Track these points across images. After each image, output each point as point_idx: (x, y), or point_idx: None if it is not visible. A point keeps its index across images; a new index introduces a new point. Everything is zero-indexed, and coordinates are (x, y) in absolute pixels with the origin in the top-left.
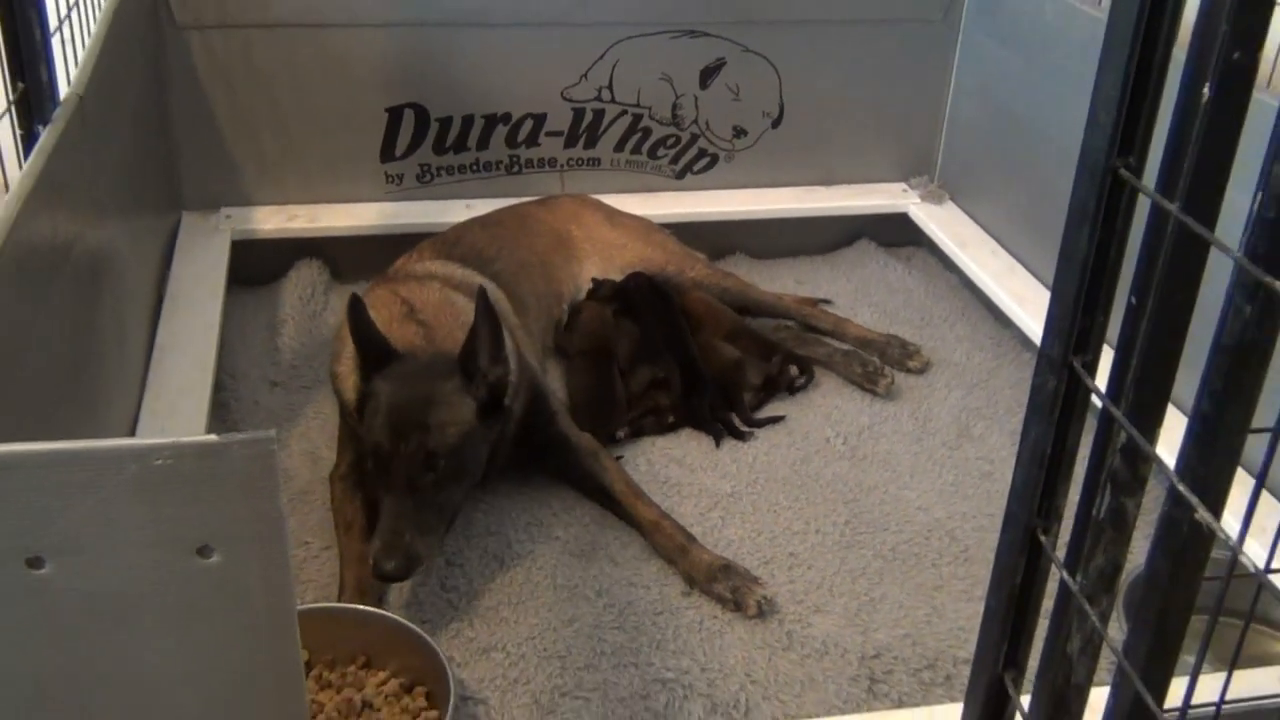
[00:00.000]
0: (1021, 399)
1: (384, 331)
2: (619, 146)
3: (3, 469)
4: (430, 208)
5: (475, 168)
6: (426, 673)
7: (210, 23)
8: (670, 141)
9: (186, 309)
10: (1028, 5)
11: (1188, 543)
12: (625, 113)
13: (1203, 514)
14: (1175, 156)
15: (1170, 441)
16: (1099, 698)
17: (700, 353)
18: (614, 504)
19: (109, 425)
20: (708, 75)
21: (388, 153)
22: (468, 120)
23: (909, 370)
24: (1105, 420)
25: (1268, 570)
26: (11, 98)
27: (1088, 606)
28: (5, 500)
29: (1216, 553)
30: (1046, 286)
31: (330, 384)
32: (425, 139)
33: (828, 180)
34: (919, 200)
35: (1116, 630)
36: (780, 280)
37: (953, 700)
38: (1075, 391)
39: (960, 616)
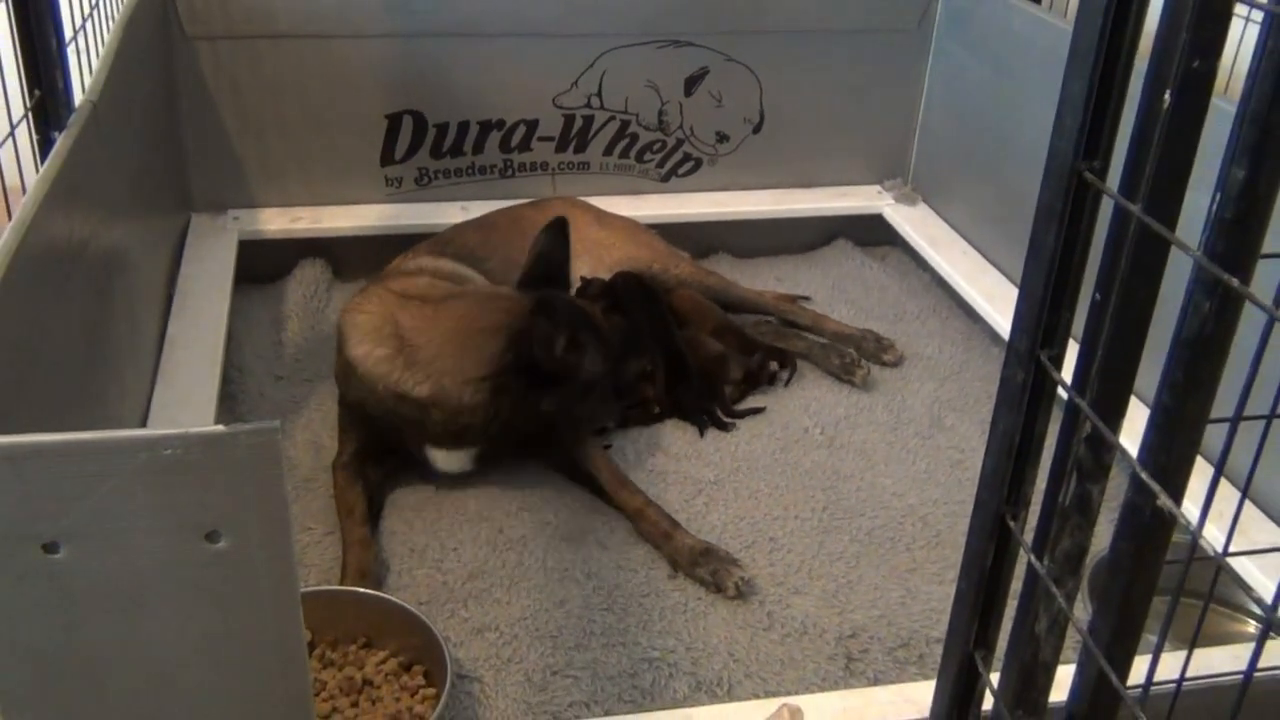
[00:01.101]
0: (991, 391)
1: (376, 330)
2: (607, 151)
3: (20, 458)
4: (428, 209)
5: (470, 171)
6: (424, 652)
7: (219, 33)
8: (656, 146)
9: (195, 306)
10: (997, 16)
11: (1150, 528)
12: (613, 119)
13: (1164, 500)
14: (1137, 160)
15: (1133, 431)
16: (1065, 675)
17: (684, 347)
18: (601, 491)
19: (121, 417)
20: (692, 83)
21: (387, 157)
22: (463, 126)
23: (884, 364)
24: (1071, 411)
25: (1226, 554)
26: (28, 105)
27: (1054, 588)
28: (22, 488)
29: (1177, 537)
30: (1014, 284)
31: (342, 375)
32: (423, 144)
33: (806, 183)
34: (893, 202)
35: (1082, 611)
36: (761, 278)
37: (926, 678)
38: (1042, 384)
39: (933, 598)
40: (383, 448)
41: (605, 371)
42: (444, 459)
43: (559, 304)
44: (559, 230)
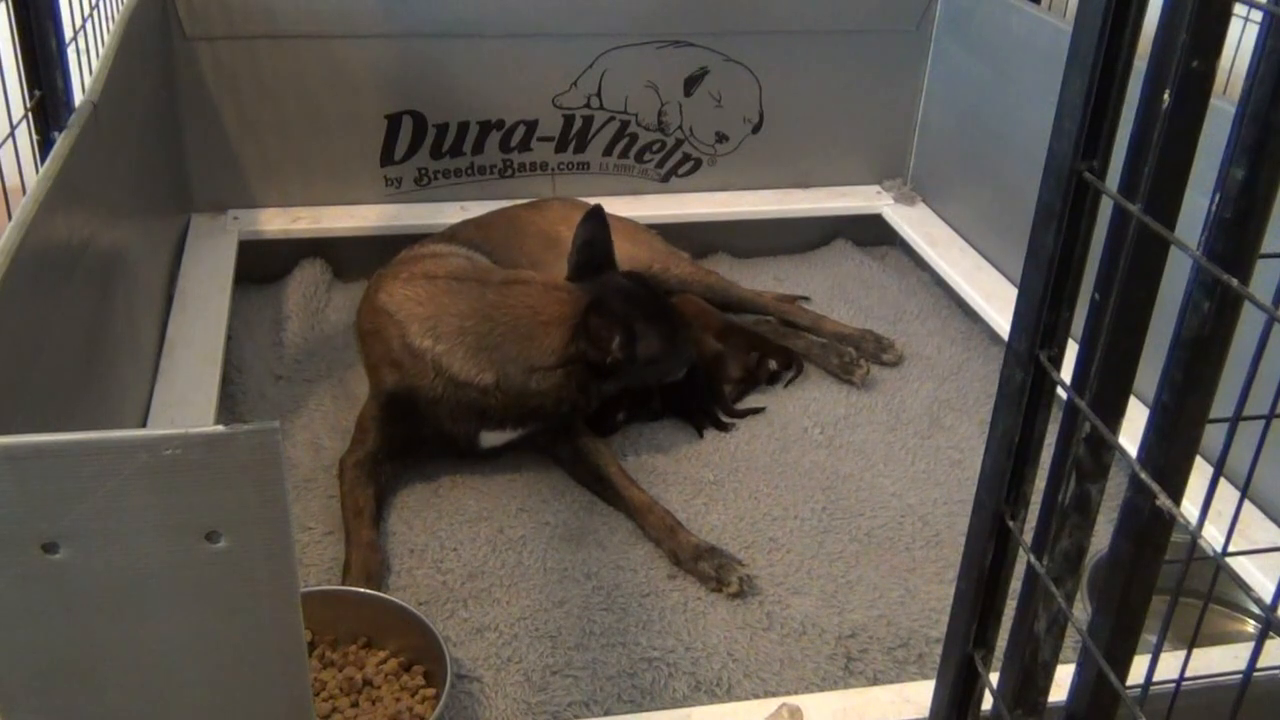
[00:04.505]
0: (990, 390)
1: (435, 318)
2: (607, 151)
3: (20, 459)
4: (427, 210)
5: (470, 171)
6: (424, 652)
7: (218, 34)
8: (656, 146)
9: (196, 306)
10: (996, 16)
11: (1149, 527)
12: (613, 119)
13: (1163, 500)
14: (1137, 160)
15: (1132, 431)
16: (1065, 675)
17: None
18: (607, 486)
19: (122, 417)
20: (691, 83)
21: (387, 157)
22: (463, 126)
23: (883, 363)
24: (1070, 411)
25: (1225, 553)
26: (28, 105)
27: (1054, 588)
28: (22, 488)
29: (1176, 537)
30: (1013, 283)
31: (391, 364)
32: (423, 144)
33: (805, 183)
34: (892, 202)
35: (1081, 611)
36: (760, 278)
37: (925, 678)
38: (1041, 384)
39: (932, 598)
40: (405, 445)
41: (663, 350)
42: (492, 437)
43: (614, 299)
44: (597, 217)
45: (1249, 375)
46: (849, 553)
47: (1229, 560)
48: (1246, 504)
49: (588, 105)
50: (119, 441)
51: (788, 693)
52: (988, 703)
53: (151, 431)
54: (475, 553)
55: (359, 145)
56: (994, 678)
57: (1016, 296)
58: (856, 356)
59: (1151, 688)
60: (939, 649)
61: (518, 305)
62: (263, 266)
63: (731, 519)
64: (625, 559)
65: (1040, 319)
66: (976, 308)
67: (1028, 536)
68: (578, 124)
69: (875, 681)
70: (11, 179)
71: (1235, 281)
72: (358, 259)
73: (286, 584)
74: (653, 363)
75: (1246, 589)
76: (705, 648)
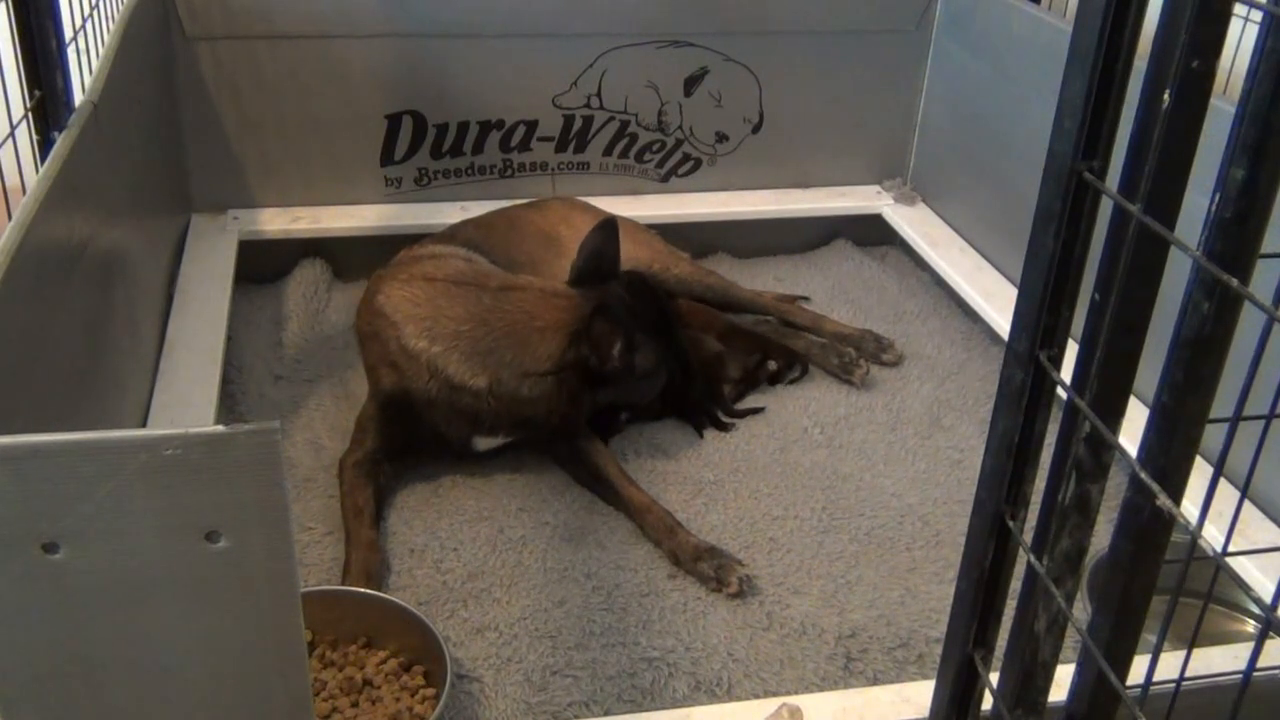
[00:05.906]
0: (990, 390)
1: (431, 319)
2: (607, 151)
3: (20, 459)
4: (427, 210)
5: (470, 171)
6: (424, 652)
7: (219, 34)
8: (656, 146)
9: (196, 306)
10: (996, 16)
11: (1149, 527)
12: (613, 119)
13: (1163, 500)
14: (1137, 160)
15: (1132, 431)
16: (1065, 675)
17: (688, 346)
18: (607, 486)
19: (122, 417)
20: (691, 84)
21: (387, 157)
22: (463, 126)
23: (883, 363)
24: (1070, 411)
25: (1225, 553)
26: (28, 105)
27: (1054, 588)
28: (22, 488)
29: (1177, 537)
30: (1013, 284)
31: (388, 365)
32: (423, 144)
33: (805, 183)
34: (892, 202)
35: (1081, 611)
36: (760, 278)
37: (925, 678)
38: (1042, 384)
39: (932, 598)
40: (404, 445)
41: (655, 367)
42: (484, 442)
43: (617, 308)
44: (609, 229)
45: (1249, 375)
46: (849, 553)
47: (1229, 560)
48: (1246, 504)
49: (588, 105)
50: (119, 441)
51: (788, 693)
52: (988, 703)
53: (151, 431)
54: (475, 553)
55: (359, 145)
56: (994, 678)
57: (1016, 296)
58: (856, 356)
59: (1151, 688)
60: (939, 649)
61: (514, 310)
62: (263, 266)
63: (731, 519)
64: (625, 559)
65: (1040, 319)
66: (976, 308)
67: (1028, 536)
68: (578, 124)
69: (875, 681)
70: (11, 179)
71: (1235, 281)
72: (357, 259)
73: (286, 584)
74: (645, 377)
75: (1246, 589)
76: (705, 648)
